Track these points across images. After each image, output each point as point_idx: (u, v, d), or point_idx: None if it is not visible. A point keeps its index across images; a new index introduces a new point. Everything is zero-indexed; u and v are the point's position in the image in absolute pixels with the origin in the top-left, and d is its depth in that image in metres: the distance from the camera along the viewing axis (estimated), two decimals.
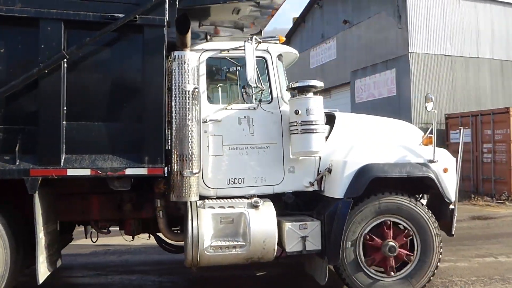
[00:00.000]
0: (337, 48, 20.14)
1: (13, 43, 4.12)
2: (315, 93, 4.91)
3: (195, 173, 4.40)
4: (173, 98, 4.37)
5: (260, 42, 4.80)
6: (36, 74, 4.01)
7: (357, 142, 5.12)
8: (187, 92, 4.38)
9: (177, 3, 4.45)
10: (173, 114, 4.37)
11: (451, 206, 5.01)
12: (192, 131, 4.39)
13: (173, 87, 4.38)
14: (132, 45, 4.34)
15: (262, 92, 4.82)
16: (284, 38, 5.33)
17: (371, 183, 4.73)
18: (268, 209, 4.69)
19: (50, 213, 4.44)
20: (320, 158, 5.07)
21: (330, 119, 5.28)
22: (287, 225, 4.72)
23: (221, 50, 4.92)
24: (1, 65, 4.08)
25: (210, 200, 4.70)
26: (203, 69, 4.86)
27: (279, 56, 5.23)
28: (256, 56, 4.91)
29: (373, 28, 17.26)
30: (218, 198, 4.81)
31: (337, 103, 18.60)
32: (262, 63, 5.03)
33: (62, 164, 4.11)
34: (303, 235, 4.73)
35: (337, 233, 4.64)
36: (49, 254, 4.42)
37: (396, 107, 15.66)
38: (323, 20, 21.59)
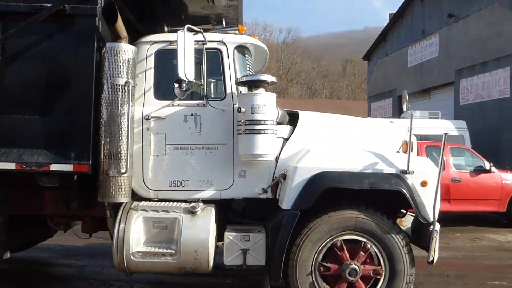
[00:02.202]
0: (440, 44, 18.85)
1: None
2: (268, 90, 4.38)
3: (122, 173, 4.12)
4: (103, 92, 4.13)
5: (199, 32, 4.38)
6: None
7: (318, 145, 4.48)
8: (118, 86, 4.12)
9: None
10: (101, 109, 4.13)
11: (431, 228, 4.17)
12: (121, 127, 4.12)
13: (103, 81, 4.13)
14: (64, 36, 4.20)
15: (203, 88, 4.39)
16: (245, 28, 4.85)
17: (327, 194, 4.10)
18: (206, 216, 4.27)
19: None
20: (276, 163, 4.51)
21: (294, 119, 4.70)
22: (227, 236, 4.26)
23: (171, 42, 4.57)
24: None
25: (144, 202, 4.39)
26: (151, 63, 4.56)
27: (240, 48, 4.76)
28: (210, 48, 4.55)
29: (484, 22, 15.76)
30: (160, 201, 4.48)
31: (437, 105, 17.43)
32: (217, 55, 4.61)
33: None
34: (244, 247, 4.24)
35: (279, 249, 4.08)
36: None
37: (509, 110, 14.12)
38: (424, 15, 20.41)
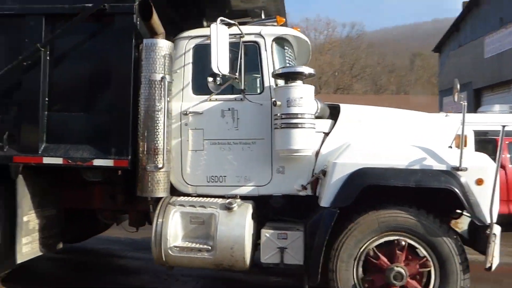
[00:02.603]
0: None
1: (4, 39, 4.45)
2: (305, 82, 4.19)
3: (159, 168, 4.15)
4: (140, 88, 4.19)
5: (233, 24, 4.28)
6: (15, 66, 4.25)
7: (360, 139, 4.22)
8: (154, 82, 4.16)
9: None
10: (139, 105, 4.19)
11: (488, 231, 3.75)
12: (158, 123, 4.16)
13: (141, 77, 4.20)
14: (105, 35, 4.33)
15: (239, 82, 4.29)
16: (284, 19, 4.68)
17: (371, 192, 3.84)
18: (242, 213, 4.18)
19: (44, 198, 4.69)
20: (316, 158, 4.32)
21: (336, 113, 4.47)
22: (264, 233, 4.15)
23: (208, 36, 4.52)
24: None
25: (182, 197, 4.40)
26: (189, 58, 4.56)
27: (278, 40, 4.61)
28: (248, 41, 4.47)
29: None
30: (198, 196, 4.47)
31: None
32: (254, 48, 4.50)
33: (40, 152, 4.30)
34: (281, 246, 4.10)
35: (317, 249, 3.89)
36: (42, 237, 4.70)
37: None
38: (502, 2, 19.03)
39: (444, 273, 3.79)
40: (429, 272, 3.85)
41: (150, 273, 5.67)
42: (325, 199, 3.97)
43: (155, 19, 4.12)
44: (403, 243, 3.86)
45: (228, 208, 4.19)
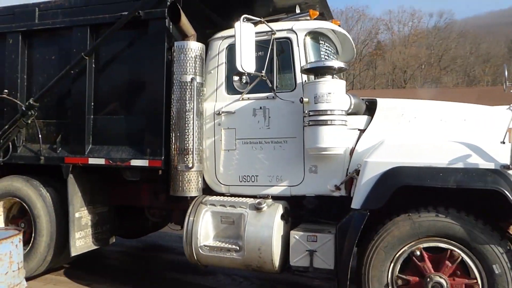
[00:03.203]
0: None
1: (57, 50, 4.86)
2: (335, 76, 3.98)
3: (190, 168, 4.23)
4: (173, 90, 4.30)
5: (260, 22, 4.19)
6: (65, 74, 4.62)
7: (398, 136, 3.90)
8: (185, 83, 4.25)
9: None
10: (172, 106, 4.31)
11: None
12: (188, 123, 4.24)
13: (173, 79, 4.31)
14: (140, 40, 4.52)
15: (266, 80, 4.19)
16: (317, 13, 4.47)
17: (408, 193, 3.54)
18: (271, 213, 4.10)
19: (95, 196, 5.03)
20: (351, 157, 4.08)
21: (373, 108, 4.19)
22: (293, 235, 4.02)
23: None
24: (53, 69, 4.85)
25: (213, 197, 4.43)
26: (222, 58, 4.58)
27: (312, 35, 4.43)
28: (280, 37, 4.38)
29: None
30: (232, 196, 4.48)
31: None
32: (287, 45, 4.38)
33: (86, 153, 4.63)
34: (311, 248, 3.94)
35: (346, 253, 3.67)
36: (95, 232, 5.05)
37: None
38: None
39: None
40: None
41: (225, 275, 5.57)
42: (356, 200, 3.73)
43: (184, 22, 4.20)
44: (456, 255, 3.47)
45: (257, 208, 4.13)
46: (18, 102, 4.88)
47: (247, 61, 3.90)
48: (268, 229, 4.01)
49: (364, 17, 59.81)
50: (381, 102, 4.16)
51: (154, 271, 5.68)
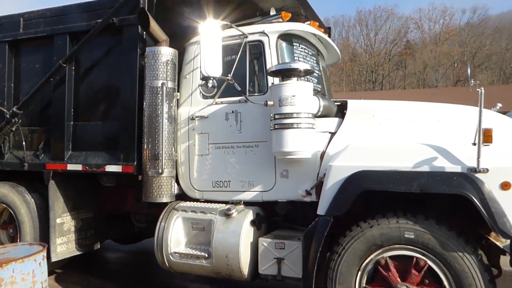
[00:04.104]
0: None
1: (41, 58, 4.97)
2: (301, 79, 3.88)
3: (160, 173, 4.22)
4: (144, 96, 4.32)
5: (227, 25, 4.14)
6: (45, 82, 4.72)
7: (366, 138, 3.75)
8: (155, 89, 4.24)
9: None
10: (143, 112, 4.32)
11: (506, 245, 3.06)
12: (159, 129, 4.23)
13: (144, 84, 4.32)
14: (115, 47, 4.56)
15: (234, 83, 4.12)
16: (289, 15, 4.37)
17: (376, 199, 3.42)
18: (240, 219, 4.02)
19: (79, 202, 5.10)
20: (321, 160, 3.96)
21: (344, 110, 4.05)
22: (261, 242, 3.94)
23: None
24: (37, 77, 4.97)
25: (186, 202, 4.41)
26: (197, 62, 4.54)
27: (286, 37, 4.34)
28: (252, 41, 4.31)
29: None
30: (206, 201, 4.44)
31: None
32: (259, 48, 4.31)
33: (65, 159, 4.71)
34: (279, 256, 3.84)
35: (311, 261, 3.55)
36: (78, 238, 5.11)
37: None
38: None
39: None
40: None
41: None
42: (321, 206, 3.61)
43: (154, 28, 4.20)
44: (422, 263, 3.30)
45: (226, 214, 4.07)
46: (5, 110, 5.02)
47: (212, 65, 3.85)
48: (236, 236, 3.94)
49: (393, 16, 58.68)
50: (352, 104, 4.02)
51: (152, 277, 5.71)
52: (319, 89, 4.68)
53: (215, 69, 3.86)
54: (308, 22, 4.75)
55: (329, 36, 6.19)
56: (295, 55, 4.41)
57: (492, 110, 4.31)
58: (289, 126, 3.74)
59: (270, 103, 3.83)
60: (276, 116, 3.80)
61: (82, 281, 5.45)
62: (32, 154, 4.96)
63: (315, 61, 4.77)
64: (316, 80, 4.70)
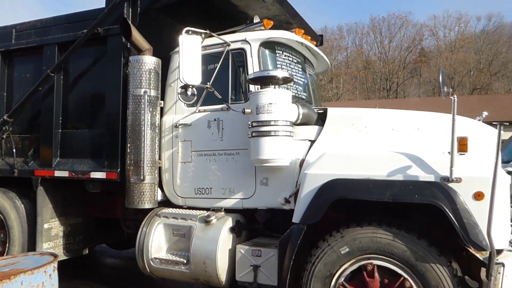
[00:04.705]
0: None
1: (32, 68, 5.09)
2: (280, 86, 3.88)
3: (142, 180, 4.25)
4: (128, 104, 4.37)
5: (206, 34, 4.18)
6: (34, 91, 4.83)
7: (338, 147, 3.73)
8: (138, 97, 4.29)
9: (137, 8, 4.43)
10: (127, 120, 4.37)
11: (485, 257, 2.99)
12: (140, 136, 4.27)
13: (128, 93, 4.38)
14: (100, 57, 4.64)
15: (213, 91, 4.14)
16: (272, 22, 4.39)
17: (353, 207, 3.40)
18: (218, 226, 4.03)
19: (67, 207, 5.17)
20: (301, 168, 3.94)
21: (324, 118, 4.04)
22: (238, 249, 3.93)
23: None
24: (28, 86, 5.08)
25: (168, 209, 4.43)
26: None
27: (268, 44, 4.36)
28: (235, 49, 4.35)
29: None
30: (189, 208, 4.45)
31: None
32: (242, 56, 4.33)
33: (53, 166, 4.79)
34: (255, 263, 3.83)
35: (284, 270, 3.52)
36: (66, 243, 5.18)
37: None
38: None
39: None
40: None
41: None
42: (295, 214, 3.59)
43: (137, 37, 4.26)
44: (370, 267, 3.27)
45: (206, 221, 4.08)
46: None
47: (190, 73, 3.88)
48: (213, 243, 3.94)
49: (407, 23, 58.24)
50: (331, 112, 4.00)
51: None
52: (303, 97, 4.67)
53: (194, 77, 3.90)
54: (293, 30, 4.77)
55: (321, 44, 6.21)
56: (277, 62, 4.42)
57: (477, 118, 4.25)
58: (267, 133, 3.74)
59: (247, 111, 3.85)
60: (254, 124, 3.80)
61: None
62: (22, 160, 5.06)
63: (300, 69, 4.78)
64: (301, 88, 4.69)
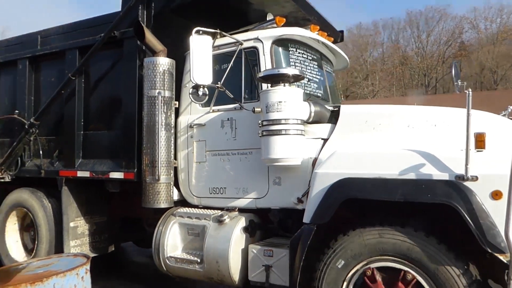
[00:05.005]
0: None
1: (56, 72, 5.28)
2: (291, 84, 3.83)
3: (157, 180, 4.31)
4: (143, 105, 4.45)
5: (216, 33, 4.16)
6: (56, 95, 5.00)
7: (350, 145, 3.63)
8: (152, 98, 4.36)
9: (152, 10, 4.50)
10: (142, 121, 4.44)
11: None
12: (155, 136, 4.32)
13: (143, 94, 4.46)
14: (118, 59, 4.75)
15: (225, 91, 4.13)
16: (284, 20, 4.33)
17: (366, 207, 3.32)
18: (231, 226, 4.02)
19: (92, 207, 5.33)
20: (313, 168, 3.87)
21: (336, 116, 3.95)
22: (251, 249, 3.92)
23: (213, 48, 4.47)
24: (53, 90, 5.27)
25: (183, 208, 4.47)
26: None
27: (281, 42, 4.31)
28: (247, 47, 4.33)
29: None
30: (204, 208, 4.48)
31: None
32: (255, 54, 4.31)
33: (75, 167, 4.95)
34: (267, 263, 3.80)
35: (295, 270, 3.47)
36: (92, 241, 5.34)
37: None
38: None
39: None
40: None
41: None
42: (306, 214, 3.53)
43: (150, 39, 4.33)
44: (410, 276, 3.13)
45: (219, 220, 4.08)
46: (25, 121, 5.37)
47: (200, 73, 3.89)
48: (226, 242, 3.94)
49: (446, 17, 56.17)
50: (344, 109, 3.90)
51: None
52: (318, 95, 4.59)
53: (204, 77, 3.90)
54: (309, 27, 4.69)
55: (341, 40, 6.07)
56: (291, 60, 4.36)
57: (502, 113, 4.03)
58: (277, 132, 3.69)
59: (257, 109, 3.82)
60: (264, 123, 3.77)
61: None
62: (48, 161, 5.26)
63: (316, 66, 4.69)
64: (316, 86, 4.61)
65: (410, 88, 55.69)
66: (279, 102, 3.69)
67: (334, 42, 6.05)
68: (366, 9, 75.58)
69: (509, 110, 3.94)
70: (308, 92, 4.43)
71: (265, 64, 4.19)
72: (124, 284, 5.62)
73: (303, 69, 4.44)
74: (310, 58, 4.62)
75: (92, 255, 5.28)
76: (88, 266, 3.68)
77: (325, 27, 5.47)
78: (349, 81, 54.96)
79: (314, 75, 4.62)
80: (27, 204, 5.37)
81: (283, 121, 3.70)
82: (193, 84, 3.96)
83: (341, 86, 55.52)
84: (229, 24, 4.56)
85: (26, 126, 5.28)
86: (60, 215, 5.21)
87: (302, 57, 4.51)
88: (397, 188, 3.10)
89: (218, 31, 4.19)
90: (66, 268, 3.56)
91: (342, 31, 6.05)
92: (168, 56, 4.46)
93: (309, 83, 4.49)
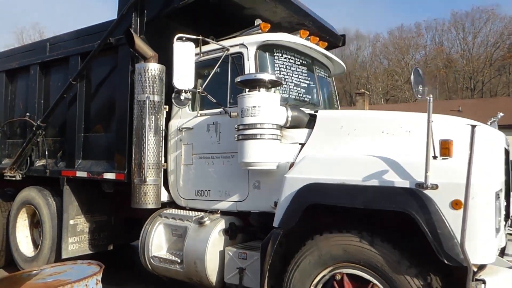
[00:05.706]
0: None
1: (62, 77, 5.57)
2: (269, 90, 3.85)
3: (144, 182, 4.45)
4: (133, 109, 4.61)
5: (198, 40, 4.24)
6: (59, 98, 5.29)
7: (320, 150, 3.62)
8: (142, 102, 4.50)
9: (144, 17, 4.66)
10: (133, 124, 4.61)
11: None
12: (144, 139, 4.46)
13: (134, 98, 4.62)
14: (113, 65, 4.95)
15: (206, 96, 4.22)
16: (269, 25, 4.36)
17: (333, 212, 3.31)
18: (210, 227, 4.10)
19: (93, 206, 5.56)
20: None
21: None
22: (227, 251, 3.97)
23: (201, 54, 4.57)
24: (58, 94, 5.56)
25: (169, 209, 4.59)
26: None
27: (266, 47, 4.34)
28: (233, 53, 4.41)
29: None
30: (191, 210, 4.59)
31: None
32: (241, 60, 4.37)
33: (75, 167, 5.21)
34: (241, 266, 3.84)
35: (262, 273, 3.50)
36: (91, 238, 5.57)
37: None
38: None
39: None
40: None
41: None
42: (275, 218, 3.54)
43: (140, 45, 4.48)
44: (339, 276, 3.16)
45: (200, 222, 4.17)
46: (34, 123, 5.70)
47: (181, 78, 4.00)
48: (203, 243, 4.02)
49: (494, 17, 53.70)
50: (321, 114, 3.88)
51: None
52: (306, 100, 4.58)
53: (185, 83, 4.01)
54: (298, 33, 4.70)
55: (343, 44, 6.01)
56: (276, 65, 4.39)
57: (490, 120, 3.88)
58: (252, 136, 3.73)
59: (234, 114, 3.88)
60: (240, 127, 3.82)
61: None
62: (53, 161, 5.55)
63: (306, 71, 4.69)
64: (303, 90, 4.61)
65: (455, 91, 53.62)
66: (253, 107, 3.73)
67: (335, 47, 6.03)
68: (408, 11, 73.64)
69: (499, 117, 3.77)
70: (293, 97, 4.44)
71: (249, 69, 4.24)
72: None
73: (289, 74, 4.45)
74: (299, 63, 4.63)
75: (89, 252, 5.51)
76: (99, 277, 3.54)
77: (324, 31, 5.45)
78: (390, 84, 53.72)
79: (302, 80, 4.62)
80: (35, 201, 5.68)
81: (258, 126, 3.73)
82: (176, 90, 4.08)
83: (381, 89, 54.27)
84: (223, 29, 4.66)
85: (34, 128, 5.60)
86: (57, 213, 5.49)
87: (289, 62, 4.52)
88: (359, 195, 3.06)
89: (200, 37, 4.28)
90: (77, 277, 3.45)
91: (343, 35, 5.99)
92: (163, 61, 4.59)
93: (295, 88, 4.49)
